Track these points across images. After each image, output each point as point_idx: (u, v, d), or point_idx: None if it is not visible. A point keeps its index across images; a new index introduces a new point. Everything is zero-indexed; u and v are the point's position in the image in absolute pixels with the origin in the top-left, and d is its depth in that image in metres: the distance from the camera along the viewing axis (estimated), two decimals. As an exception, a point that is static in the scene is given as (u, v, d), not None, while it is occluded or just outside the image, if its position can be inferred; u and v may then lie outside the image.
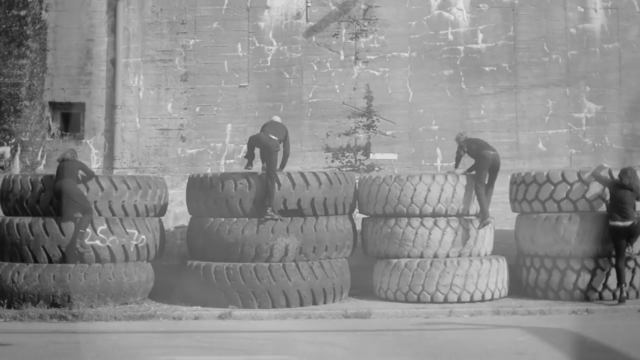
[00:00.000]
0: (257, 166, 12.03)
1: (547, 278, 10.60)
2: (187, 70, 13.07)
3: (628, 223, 10.08)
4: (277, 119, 11.27)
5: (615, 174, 10.45)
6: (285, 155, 10.88)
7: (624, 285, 10.10)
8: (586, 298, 10.38)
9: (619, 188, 10.25)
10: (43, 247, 10.08)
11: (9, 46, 13.16)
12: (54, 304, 9.88)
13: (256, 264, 10.14)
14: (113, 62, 13.07)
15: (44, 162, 12.96)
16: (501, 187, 11.93)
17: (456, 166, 11.24)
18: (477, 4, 13.21)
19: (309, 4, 13.22)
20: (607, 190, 10.40)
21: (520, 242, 11.10)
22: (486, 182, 10.90)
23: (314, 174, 10.56)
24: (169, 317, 9.66)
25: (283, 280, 10.09)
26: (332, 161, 12.95)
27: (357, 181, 11.36)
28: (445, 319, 9.62)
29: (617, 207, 10.17)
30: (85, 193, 10.24)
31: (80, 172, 10.39)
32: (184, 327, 9.08)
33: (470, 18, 13.19)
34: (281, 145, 10.74)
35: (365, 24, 13.19)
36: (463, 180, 10.72)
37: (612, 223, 10.15)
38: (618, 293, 10.12)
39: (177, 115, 13.04)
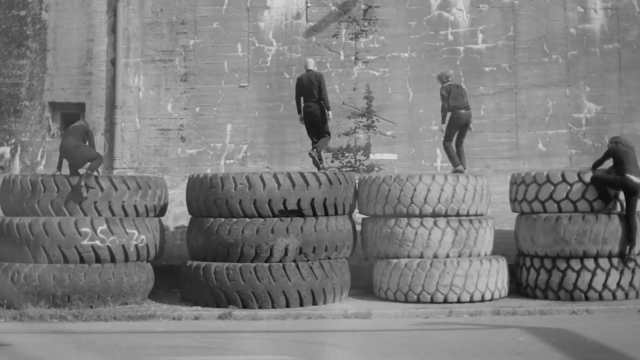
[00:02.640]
0: (258, 166, 12.06)
1: (547, 278, 10.60)
2: (187, 70, 13.07)
3: None
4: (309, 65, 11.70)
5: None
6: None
7: (632, 245, 10.28)
8: (586, 298, 10.38)
9: (625, 148, 10.55)
10: (43, 247, 10.07)
11: (9, 46, 13.17)
12: (54, 304, 9.88)
13: (256, 264, 10.13)
14: (113, 62, 13.08)
15: (44, 162, 12.96)
16: (501, 187, 11.94)
17: (443, 121, 11.50)
18: (477, 4, 13.22)
19: (309, 4, 13.23)
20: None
21: (520, 242, 11.10)
22: (454, 139, 11.47)
23: (314, 174, 10.56)
24: (169, 317, 9.66)
25: (283, 280, 10.09)
26: (332, 161, 12.95)
27: (357, 181, 11.37)
28: (445, 319, 9.61)
29: (633, 163, 10.39)
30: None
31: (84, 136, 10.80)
32: (184, 327, 9.08)
33: (470, 18, 13.20)
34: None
35: (365, 24, 13.20)
36: (463, 180, 10.72)
37: (629, 175, 10.28)
38: (626, 251, 10.31)
39: (177, 115, 13.04)
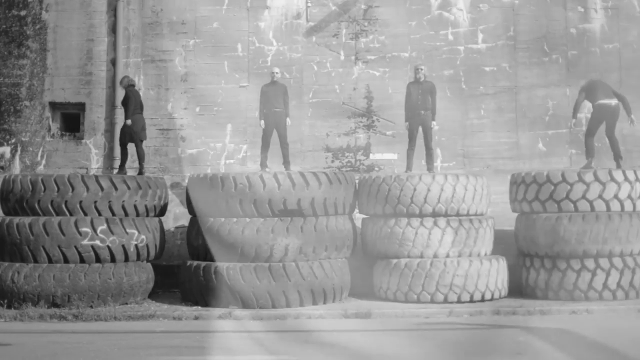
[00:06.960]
0: (258, 166, 12.04)
1: (547, 278, 10.61)
2: (187, 70, 13.07)
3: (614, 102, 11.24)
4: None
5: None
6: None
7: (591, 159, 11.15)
8: (586, 298, 10.38)
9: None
10: (43, 247, 10.08)
11: (9, 46, 13.17)
12: (54, 304, 9.89)
13: (256, 264, 10.14)
14: (113, 62, 13.07)
15: (44, 162, 12.96)
16: (501, 187, 11.93)
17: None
18: (477, 4, 13.21)
19: (309, 4, 13.22)
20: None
21: (520, 242, 11.10)
22: None
23: (314, 174, 10.56)
24: (169, 317, 9.66)
25: (283, 280, 10.09)
26: (332, 161, 12.95)
27: (357, 181, 11.37)
28: (445, 319, 9.62)
29: (604, 90, 11.19)
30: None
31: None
32: (184, 327, 9.09)
33: (470, 18, 13.19)
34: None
35: (365, 24, 13.19)
36: (463, 180, 10.72)
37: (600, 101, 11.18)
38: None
39: (177, 115, 13.04)
